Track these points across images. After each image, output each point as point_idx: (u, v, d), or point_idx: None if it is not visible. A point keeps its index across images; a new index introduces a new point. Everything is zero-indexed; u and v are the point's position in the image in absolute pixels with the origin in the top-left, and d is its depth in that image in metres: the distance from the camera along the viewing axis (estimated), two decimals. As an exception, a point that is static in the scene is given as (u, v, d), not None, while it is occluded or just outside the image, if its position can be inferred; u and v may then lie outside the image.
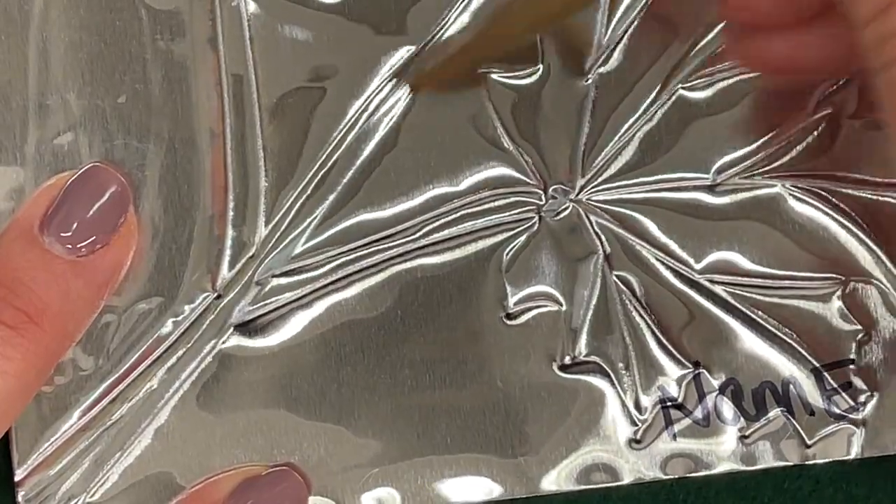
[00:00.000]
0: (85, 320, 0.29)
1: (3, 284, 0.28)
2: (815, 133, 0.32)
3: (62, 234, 0.28)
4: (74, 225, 0.28)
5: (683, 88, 0.32)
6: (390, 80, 0.31)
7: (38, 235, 0.28)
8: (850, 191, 0.32)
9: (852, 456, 0.32)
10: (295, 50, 0.31)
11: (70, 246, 0.28)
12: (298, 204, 0.31)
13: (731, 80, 0.32)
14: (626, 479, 0.31)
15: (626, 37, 0.32)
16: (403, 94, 0.31)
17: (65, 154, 0.30)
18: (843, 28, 0.26)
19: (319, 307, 0.31)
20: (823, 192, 0.32)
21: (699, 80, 0.32)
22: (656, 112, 0.32)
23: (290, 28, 0.31)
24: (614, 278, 0.32)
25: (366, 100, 0.31)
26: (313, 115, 0.31)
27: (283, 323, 0.31)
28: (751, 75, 0.32)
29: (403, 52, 0.31)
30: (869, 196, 0.32)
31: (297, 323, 0.31)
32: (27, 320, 0.28)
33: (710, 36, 0.32)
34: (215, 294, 0.31)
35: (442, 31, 0.31)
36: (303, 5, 0.31)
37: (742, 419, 0.32)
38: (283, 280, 0.31)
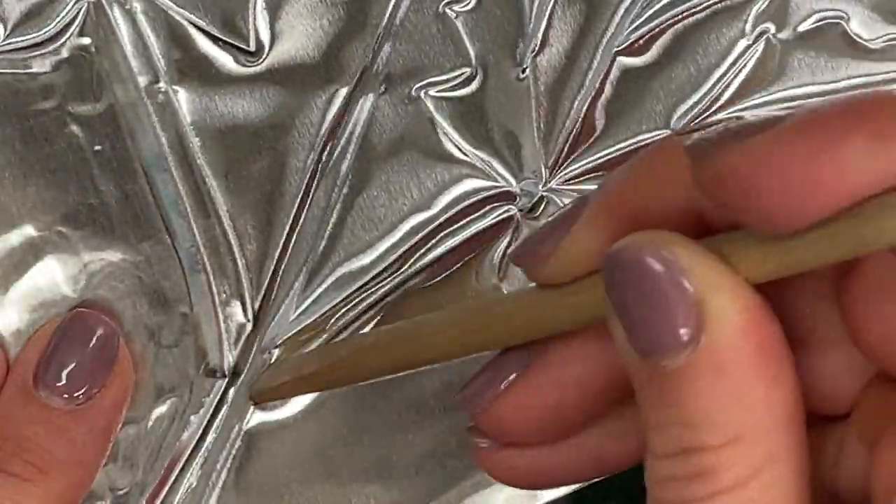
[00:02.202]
0: (96, 462, 0.30)
1: (9, 441, 0.28)
2: (755, 57, 0.32)
3: (57, 386, 0.28)
4: (66, 376, 0.29)
5: (620, 54, 0.32)
6: (336, 125, 0.31)
7: (33, 391, 0.28)
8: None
9: None
10: (234, 122, 0.31)
11: (66, 396, 0.28)
12: (282, 270, 0.31)
13: (665, 35, 0.32)
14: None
15: (549, 18, 0.31)
16: (356, 135, 0.31)
17: (41, 288, 0.30)
18: (601, 439, 0.24)
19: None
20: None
21: (633, 42, 0.32)
22: (601, 82, 0.32)
23: (223, 103, 0.31)
24: (605, 254, 0.32)
25: (319, 151, 0.31)
26: (269, 179, 0.31)
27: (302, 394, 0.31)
28: (681, 24, 0.32)
29: (341, 95, 0.31)
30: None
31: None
32: (37, 472, 0.28)
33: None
34: (226, 378, 0.31)
35: (370, 63, 0.31)
36: (227, 80, 0.31)
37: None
38: (287, 345, 0.31)
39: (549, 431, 0.24)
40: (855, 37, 0.32)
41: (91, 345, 0.29)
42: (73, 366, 0.29)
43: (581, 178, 0.32)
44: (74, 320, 0.29)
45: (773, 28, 0.32)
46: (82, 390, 0.29)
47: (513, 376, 0.24)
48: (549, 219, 0.24)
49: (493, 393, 0.24)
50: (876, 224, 0.18)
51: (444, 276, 0.32)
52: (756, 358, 0.20)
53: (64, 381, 0.29)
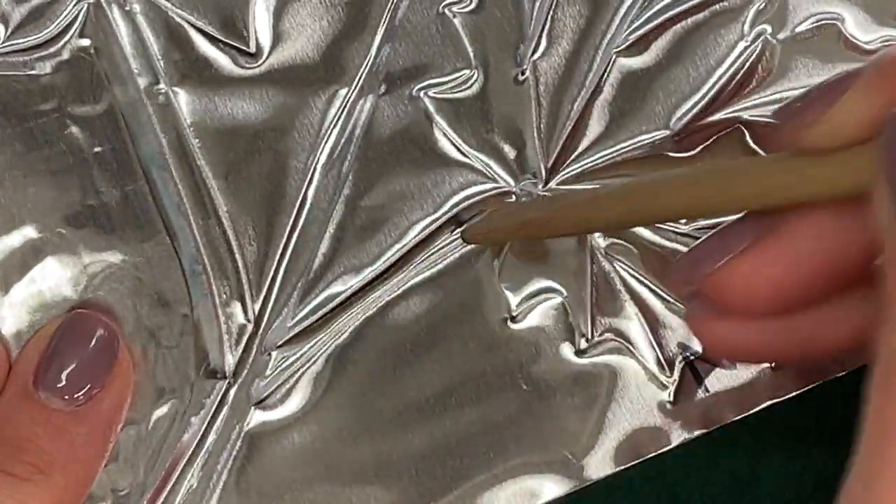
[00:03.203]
0: (96, 463, 0.30)
1: (10, 442, 0.28)
2: (754, 55, 0.32)
3: (57, 387, 0.28)
4: (66, 377, 0.29)
5: (620, 55, 0.32)
6: (336, 126, 0.31)
7: (33, 392, 0.28)
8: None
9: None
10: (234, 123, 0.31)
11: (66, 397, 0.28)
12: (283, 271, 0.31)
13: (664, 36, 0.32)
14: (675, 441, 0.32)
15: (549, 19, 0.32)
16: (357, 137, 0.31)
17: (42, 289, 0.30)
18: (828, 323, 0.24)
19: (330, 363, 0.31)
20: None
21: (633, 43, 0.32)
22: (601, 83, 0.32)
23: (223, 104, 0.31)
24: (605, 251, 0.32)
25: (319, 152, 0.31)
26: (269, 180, 0.31)
27: (299, 389, 0.31)
28: (680, 26, 0.32)
29: (341, 96, 0.31)
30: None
31: (312, 385, 0.31)
32: (38, 472, 0.28)
33: (631, 0, 0.32)
34: (227, 380, 0.31)
35: (370, 64, 0.31)
36: (227, 82, 0.31)
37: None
38: (288, 347, 0.31)
39: (771, 305, 0.24)
40: (851, 38, 0.33)
41: (91, 346, 0.29)
42: (72, 367, 0.29)
43: (581, 180, 0.32)
44: (74, 321, 0.29)
45: (770, 29, 0.32)
46: (82, 391, 0.29)
47: (746, 243, 0.24)
48: (819, 83, 0.24)
49: (723, 257, 0.24)
50: None
51: (444, 277, 0.32)
52: None
53: (64, 382, 0.29)
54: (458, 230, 0.31)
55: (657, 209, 0.26)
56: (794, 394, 0.31)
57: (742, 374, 0.31)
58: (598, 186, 0.31)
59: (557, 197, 0.31)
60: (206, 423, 0.31)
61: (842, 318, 0.24)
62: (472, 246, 0.32)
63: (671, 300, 0.32)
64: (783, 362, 0.28)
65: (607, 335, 0.32)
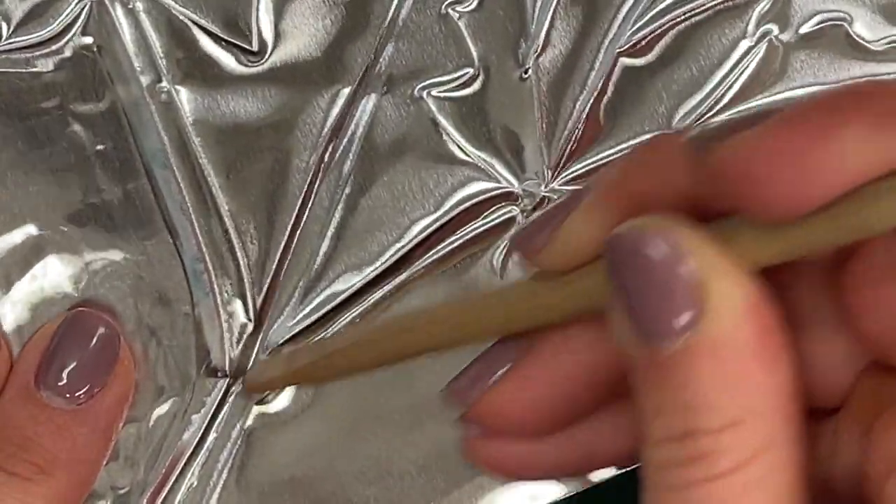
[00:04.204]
0: (98, 461, 0.30)
1: (12, 441, 0.28)
2: (757, 58, 0.32)
3: (58, 386, 0.28)
4: (67, 376, 0.29)
5: (622, 55, 0.32)
6: (338, 125, 0.31)
7: (34, 391, 0.28)
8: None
9: None
10: (236, 122, 0.31)
11: (68, 396, 0.28)
12: (284, 270, 0.31)
13: (667, 36, 0.32)
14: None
15: (551, 18, 0.32)
16: (359, 136, 0.31)
17: (43, 287, 0.30)
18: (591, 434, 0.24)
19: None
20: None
21: (635, 43, 0.32)
22: (603, 83, 0.32)
23: (225, 102, 0.31)
24: (608, 254, 0.32)
25: (322, 151, 0.31)
26: (271, 179, 0.31)
27: (299, 388, 0.31)
28: (683, 25, 0.32)
29: (343, 96, 0.31)
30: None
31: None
32: (39, 471, 0.28)
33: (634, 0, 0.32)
34: (228, 378, 0.31)
35: (372, 64, 0.31)
36: (229, 80, 0.31)
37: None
38: (289, 346, 0.31)
39: (540, 424, 0.24)
40: (857, 38, 0.32)
41: (92, 345, 0.29)
42: (73, 365, 0.29)
43: (583, 179, 0.32)
44: (75, 320, 0.29)
45: (775, 29, 0.32)
46: (83, 390, 0.29)
47: (505, 368, 0.24)
48: (548, 206, 0.24)
49: (484, 384, 0.24)
50: (875, 207, 0.18)
51: (445, 278, 0.32)
52: (756, 343, 0.20)
53: (65, 381, 0.29)
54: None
55: (413, 345, 0.26)
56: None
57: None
58: (358, 329, 0.31)
59: (325, 342, 0.31)
60: (207, 421, 0.31)
61: (617, 425, 0.24)
62: (475, 245, 0.31)
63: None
64: (566, 475, 0.28)
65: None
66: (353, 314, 0.31)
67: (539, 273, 0.23)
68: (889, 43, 0.33)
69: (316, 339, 0.31)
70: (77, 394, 0.29)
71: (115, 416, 0.30)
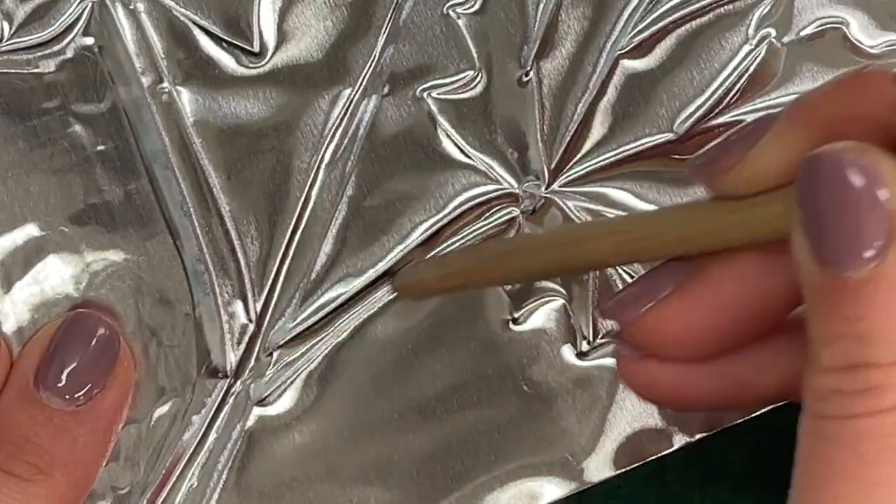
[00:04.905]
0: (97, 462, 0.30)
1: (11, 442, 0.28)
2: (757, 60, 0.32)
3: (57, 387, 0.28)
4: (67, 376, 0.29)
5: (623, 57, 0.32)
6: (339, 126, 0.31)
7: (34, 391, 0.28)
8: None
9: None
10: (237, 122, 0.31)
11: (67, 397, 0.28)
12: (285, 271, 0.31)
13: (668, 39, 0.32)
14: (676, 444, 0.32)
15: (553, 21, 0.32)
16: (360, 138, 0.31)
17: (44, 287, 0.30)
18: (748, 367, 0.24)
19: (331, 363, 0.31)
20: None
21: (636, 46, 0.32)
22: (604, 85, 0.32)
23: (226, 103, 0.31)
24: (607, 256, 0.32)
25: (323, 152, 0.31)
26: (272, 180, 0.31)
27: (299, 388, 0.31)
28: (684, 28, 0.32)
29: (344, 96, 0.31)
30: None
31: (313, 385, 0.31)
32: (39, 472, 0.28)
33: (636, 1, 0.32)
34: (228, 379, 0.31)
35: (373, 65, 0.31)
36: (230, 81, 0.31)
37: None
38: (290, 348, 0.31)
39: (699, 349, 0.24)
40: (856, 42, 0.33)
41: (92, 345, 0.29)
42: (73, 366, 0.29)
43: (584, 182, 0.32)
44: (75, 321, 0.29)
45: (775, 33, 0.32)
46: (83, 391, 0.29)
47: (669, 289, 0.24)
48: (734, 130, 0.24)
49: (647, 303, 0.24)
50: None
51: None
52: None
53: (64, 382, 0.29)
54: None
55: (582, 257, 0.26)
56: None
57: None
58: (522, 236, 0.31)
59: (481, 246, 0.31)
60: (207, 422, 0.31)
61: (772, 362, 0.24)
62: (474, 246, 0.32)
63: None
64: (715, 407, 0.28)
65: (608, 338, 0.32)
66: (354, 316, 0.31)
67: (718, 197, 0.23)
68: (886, 47, 0.33)
69: (319, 344, 0.31)
70: (77, 395, 0.29)
71: (115, 417, 0.30)
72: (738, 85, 0.32)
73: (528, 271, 0.27)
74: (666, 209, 0.24)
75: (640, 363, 0.25)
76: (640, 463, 0.31)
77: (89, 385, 0.29)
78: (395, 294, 0.31)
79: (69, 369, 0.29)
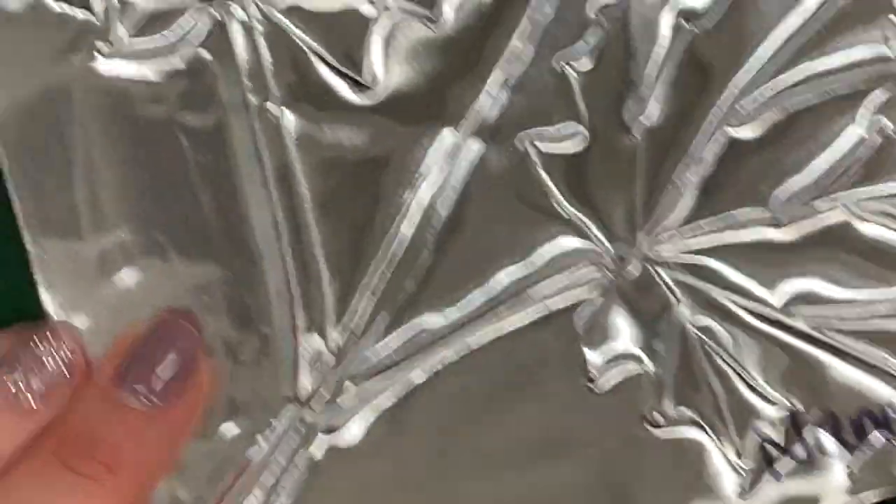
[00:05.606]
0: (161, 468, 0.30)
1: (83, 437, 0.28)
2: (867, 145, 0.32)
3: (135, 387, 0.29)
4: (147, 378, 0.29)
5: (728, 126, 0.31)
6: (437, 166, 0.31)
7: (113, 389, 0.29)
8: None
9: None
10: (338, 152, 0.31)
11: (144, 398, 0.29)
12: (366, 302, 0.31)
13: (776, 115, 0.31)
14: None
15: (662, 84, 0.31)
16: (456, 179, 0.31)
17: (130, 292, 0.30)
18: None
19: (403, 401, 0.31)
20: (890, 209, 0.31)
21: (743, 118, 0.31)
22: (707, 155, 0.31)
23: (330, 131, 0.31)
24: (692, 327, 0.31)
25: (417, 189, 0.31)
26: (366, 212, 0.31)
27: (369, 423, 0.31)
28: (793, 104, 0.31)
29: (447, 135, 0.31)
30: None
31: (383, 420, 0.31)
32: (105, 471, 0.28)
33: (748, 73, 0.31)
34: (299, 404, 0.31)
35: (480, 107, 0.31)
36: (337, 108, 0.31)
37: (846, 451, 0.31)
38: (364, 380, 0.31)
39: None
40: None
41: (175, 351, 0.29)
42: (154, 368, 0.29)
43: (676, 248, 0.31)
44: (161, 326, 0.30)
45: (887, 122, 0.32)
46: (159, 395, 0.29)
47: None
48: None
49: None
50: None
51: (527, 330, 0.31)
52: None
53: (143, 384, 0.29)
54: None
55: None
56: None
57: (815, 468, 0.31)
58: None
59: None
60: (273, 444, 0.31)
61: None
62: (559, 302, 0.31)
63: (755, 385, 0.31)
64: None
65: (685, 411, 0.31)
66: (432, 356, 0.31)
67: None
68: None
69: (393, 382, 0.31)
70: (153, 398, 0.29)
71: (186, 425, 0.30)
72: (844, 169, 0.31)
73: None
74: None
75: None
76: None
77: (167, 389, 0.29)
78: (476, 341, 0.31)
79: (150, 371, 0.29)
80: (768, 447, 0.31)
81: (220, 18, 0.31)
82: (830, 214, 0.31)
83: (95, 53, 0.31)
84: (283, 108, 0.31)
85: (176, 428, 0.30)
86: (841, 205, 0.31)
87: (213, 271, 0.31)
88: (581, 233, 0.31)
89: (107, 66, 0.31)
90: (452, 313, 0.31)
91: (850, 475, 0.31)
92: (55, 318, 0.30)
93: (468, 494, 0.31)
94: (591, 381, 0.31)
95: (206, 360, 0.30)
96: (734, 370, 0.31)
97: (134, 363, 0.29)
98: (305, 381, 0.31)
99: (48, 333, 0.30)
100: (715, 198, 0.31)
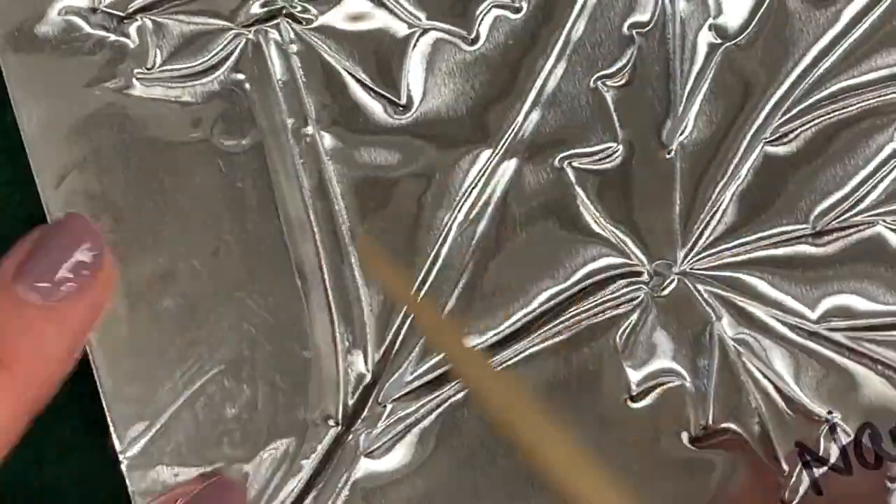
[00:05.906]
0: (62, 364, 0.29)
1: None
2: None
3: (35, 283, 0.28)
4: (47, 272, 0.28)
5: (767, 144, 0.31)
6: (476, 186, 0.31)
7: (11, 283, 0.28)
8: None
9: None
10: (375, 173, 0.31)
11: (42, 292, 0.28)
12: (407, 324, 0.31)
13: (813, 130, 0.32)
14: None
15: (699, 101, 0.31)
16: (495, 198, 0.31)
17: (165, 310, 0.30)
18: None
19: (443, 421, 0.31)
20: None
21: (781, 135, 0.31)
22: (745, 171, 0.31)
23: (366, 152, 0.31)
24: (732, 343, 0.31)
25: (456, 210, 0.31)
26: (405, 235, 0.31)
27: (411, 444, 0.31)
28: (830, 121, 0.31)
29: (484, 157, 0.31)
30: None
31: (423, 441, 0.31)
32: (0, 365, 0.28)
33: (785, 89, 0.31)
34: (340, 427, 0.31)
35: (516, 129, 0.31)
36: (374, 129, 0.31)
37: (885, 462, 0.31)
38: (404, 402, 0.31)
39: None
40: None
41: (78, 248, 0.29)
42: (55, 264, 0.28)
43: (715, 265, 0.32)
44: (66, 222, 0.29)
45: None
46: (59, 288, 0.28)
47: None
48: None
49: None
50: None
51: (567, 348, 0.31)
52: None
53: (44, 276, 0.28)
54: None
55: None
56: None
57: (859, 481, 0.31)
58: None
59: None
60: (315, 468, 0.31)
61: None
62: (599, 319, 0.31)
63: (794, 399, 0.31)
64: None
65: (725, 425, 0.31)
66: (472, 376, 0.31)
67: None
68: None
69: (433, 402, 0.31)
70: (52, 290, 0.28)
71: (86, 323, 0.29)
72: (881, 185, 0.32)
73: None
74: None
75: None
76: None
77: (67, 284, 0.28)
78: (515, 358, 0.31)
79: (50, 266, 0.28)
80: (810, 461, 0.31)
81: (255, 40, 0.31)
82: (867, 229, 0.32)
83: (131, 78, 0.30)
84: (321, 130, 0.31)
85: (75, 325, 0.29)
86: (878, 220, 0.32)
87: (252, 295, 0.31)
88: (619, 250, 0.31)
89: (142, 91, 0.31)
90: (492, 333, 0.31)
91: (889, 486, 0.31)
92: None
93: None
94: (632, 397, 0.31)
95: (108, 259, 0.29)
96: (773, 383, 0.31)
97: (35, 260, 0.28)
98: (346, 404, 0.31)
99: None
100: (753, 214, 0.32)
